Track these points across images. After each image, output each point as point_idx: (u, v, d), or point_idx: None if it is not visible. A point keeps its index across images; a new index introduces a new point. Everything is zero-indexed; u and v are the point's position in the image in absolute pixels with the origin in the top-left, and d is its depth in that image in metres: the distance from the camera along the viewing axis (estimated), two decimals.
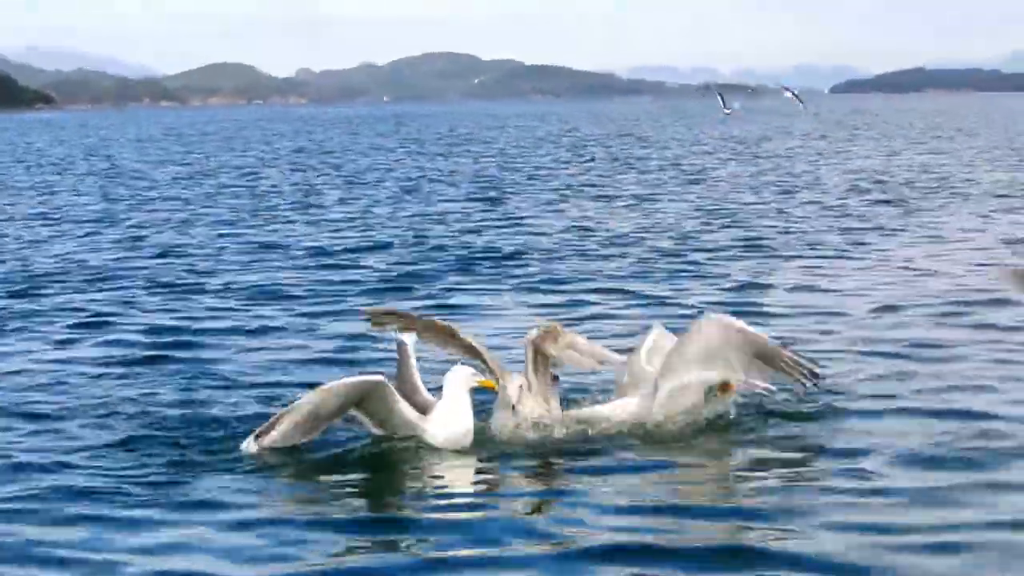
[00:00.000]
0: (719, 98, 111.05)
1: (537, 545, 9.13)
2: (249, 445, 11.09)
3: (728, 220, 31.13)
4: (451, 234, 29.36)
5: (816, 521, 9.51)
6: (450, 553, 9.07)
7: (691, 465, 11.07)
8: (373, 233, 29.98)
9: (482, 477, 10.90)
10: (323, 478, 10.82)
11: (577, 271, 22.93)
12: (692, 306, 19.08)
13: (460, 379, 11.42)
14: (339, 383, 11.10)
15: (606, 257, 24.82)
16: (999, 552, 8.89)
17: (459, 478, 10.88)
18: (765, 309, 18.59)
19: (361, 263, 24.80)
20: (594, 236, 28.26)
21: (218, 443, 11.72)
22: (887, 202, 34.85)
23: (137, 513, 10.02)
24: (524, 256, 25.18)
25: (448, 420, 11.34)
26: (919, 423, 12.04)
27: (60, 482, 10.76)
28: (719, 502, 10.18)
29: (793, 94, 79.37)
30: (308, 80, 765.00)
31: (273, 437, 11.00)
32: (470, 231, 30.00)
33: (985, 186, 39.45)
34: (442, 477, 10.84)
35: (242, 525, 9.75)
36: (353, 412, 11.24)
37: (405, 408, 11.26)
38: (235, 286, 22.00)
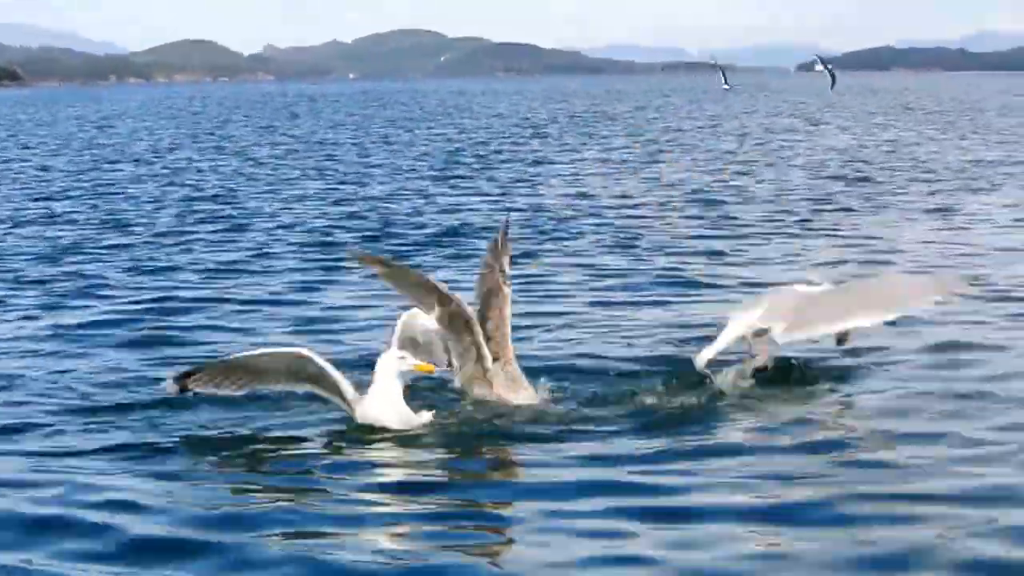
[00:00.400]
0: (720, 73, 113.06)
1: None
2: (168, 386, 11.20)
3: (693, 197, 31.29)
4: (418, 210, 29.43)
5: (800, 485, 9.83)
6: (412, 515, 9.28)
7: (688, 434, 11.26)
8: (341, 209, 30.02)
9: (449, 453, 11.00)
10: (294, 448, 11.00)
11: (546, 248, 23.06)
12: (655, 279, 19.35)
13: (387, 364, 11.27)
14: (270, 348, 11.41)
15: (575, 233, 24.94)
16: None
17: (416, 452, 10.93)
18: (726, 283, 18.99)
19: (329, 240, 24.85)
20: (561, 212, 28.38)
21: (183, 410, 11.94)
22: (851, 179, 35.11)
23: (103, 475, 10.28)
24: (491, 232, 25.24)
25: (374, 404, 11.24)
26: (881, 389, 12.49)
27: (22, 448, 11.01)
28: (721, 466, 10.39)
29: (826, 67, 79.17)
30: (274, 57, 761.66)
31: (201, 377, 11.15)
32: (438, 207, 30.09)
33: (951, 165, 39.73)
34: (401, 451, 10.94)
35: (200, 481, 10.12)
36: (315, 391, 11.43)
37: (344, 385, 11.27)
38: (204, 263, 22.00)
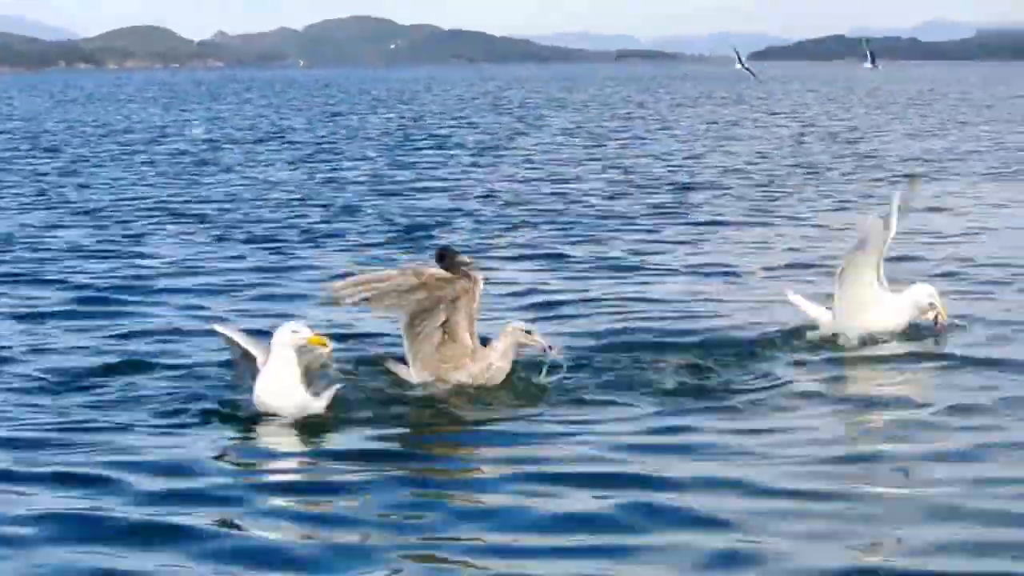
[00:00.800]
0: (736, 55, 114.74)
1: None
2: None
3: (639, 187, 31.29)
4: (370, 198, 29.42)
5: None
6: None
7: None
8: (290, 196, 29.97)
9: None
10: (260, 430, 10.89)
11: (497, 234, 23.13)
12: (608, 264, 19.50)
13: (281, 338, 10.42)
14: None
15: (529, 222, 24.90)
16: None
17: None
18: (672, 267, 19.40)
19: (282, 230, 24.73)
20: (513, 201, 28.40)
21: (142, 390, 12.04)
22: (798, 166, 35.41)
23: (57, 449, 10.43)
24: (448, 222, 25.23)
25: (267, 386, 10.51)
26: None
27: None
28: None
29: (870, 57, 79.48)
30: (225, 43, 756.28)
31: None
32: (390, 193, 30.12)
33: (897, 153, 40.08)
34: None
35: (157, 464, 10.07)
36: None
37: (260, 365, 10.63)
38: (152, 252, 21.77)
